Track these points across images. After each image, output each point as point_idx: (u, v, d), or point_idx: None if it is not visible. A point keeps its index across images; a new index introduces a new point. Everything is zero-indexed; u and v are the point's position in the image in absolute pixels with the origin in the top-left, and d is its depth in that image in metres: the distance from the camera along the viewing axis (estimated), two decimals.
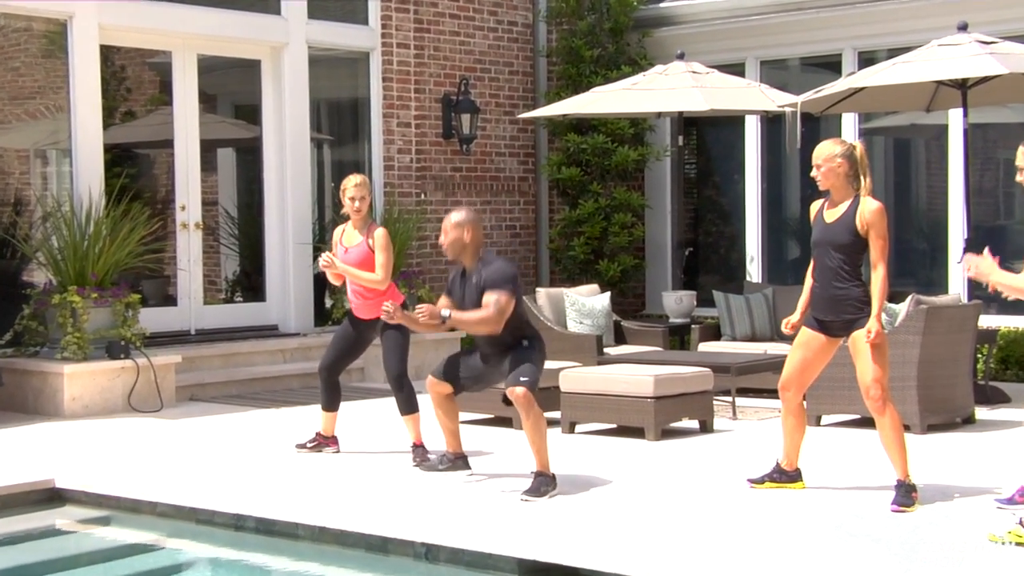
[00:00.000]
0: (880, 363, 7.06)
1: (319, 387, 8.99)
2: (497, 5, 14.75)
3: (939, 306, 9.80)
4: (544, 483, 7.39)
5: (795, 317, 7.42)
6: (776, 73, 14.37)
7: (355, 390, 11.82)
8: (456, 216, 7.64)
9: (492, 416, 9.84)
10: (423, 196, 13.99)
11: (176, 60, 12.62)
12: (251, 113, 13.53)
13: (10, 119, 12.05)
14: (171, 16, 12.37)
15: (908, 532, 6.48)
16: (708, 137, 15.36)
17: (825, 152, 7.18)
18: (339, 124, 14.74)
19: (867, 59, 13.43)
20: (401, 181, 13.88)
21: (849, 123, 13.62)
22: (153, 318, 11.83)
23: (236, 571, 7.04)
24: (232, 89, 14.00)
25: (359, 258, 8.63)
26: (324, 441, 8.97)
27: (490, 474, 8.06)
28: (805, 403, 7.59)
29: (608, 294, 12.39)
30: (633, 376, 9.44)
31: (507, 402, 7.56)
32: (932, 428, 9.47)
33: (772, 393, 8.44)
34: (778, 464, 7.56)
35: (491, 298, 7.39)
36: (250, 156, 13.69)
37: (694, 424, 9.69)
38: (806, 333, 7.35)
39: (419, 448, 8.47)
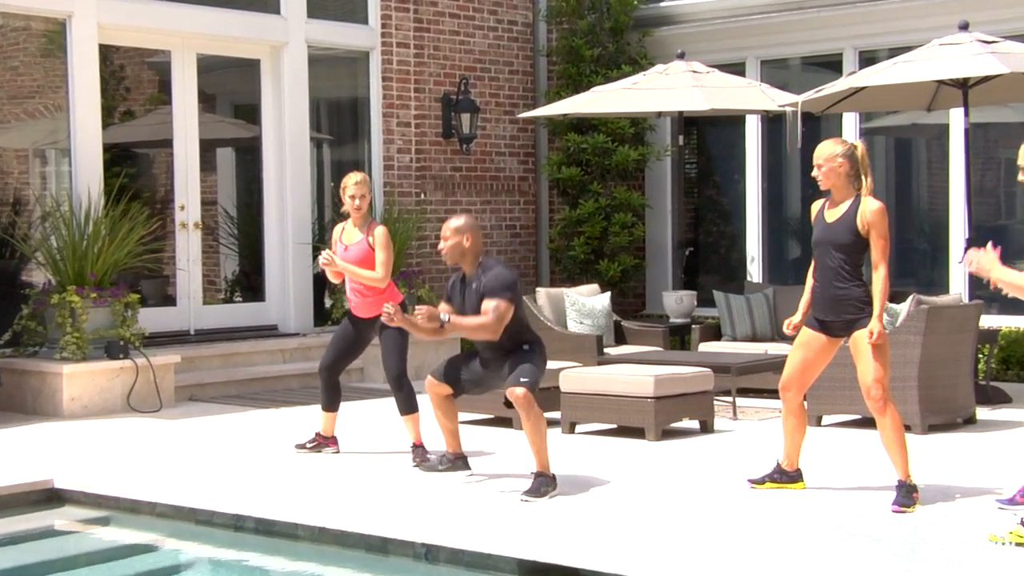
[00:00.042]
0: (881, 363, 7.04)
1: (319, 387, 8.98)
2: (497, 4, 14.72)
3: (940, 306, 9.79)
4: (544, 483, 7.38)
5: (797, 317, 7.41)
6: (777, 72, 14.35)
7: (355, 390, 11.81)
8: (455, 222, 7.63)
9: (492, 416, 9.83)
10: (423, 196, 13.97)
11: (175, 59, 12.60)
12: (250, 113, 13.51)
13: (9, 118, 12.03)
14: (170, 15, 12.35)
15: (908, 532, 6.47)
16: (708, 137, 15.35)
17: (826, 152, 7.17)
18: (339, 124, 14.72)
19: (868, 58, 13.42)
20: (401, 181, 13.86)
21: (850, 123, 13.61)
22: (152, 318, 11.81)
23: (236, 571, 7.02)
24: (231, 88, 13.98)
25: (359, 256, 8.61)
26: (324, 441, 8.95)
27: (490, 474, 8.05)
28: (806, 403, 7.59)
29: (608, 294, 12.38)
30: (633, 376, 9.42)
31: (508, 405, 7.55)
32: (933, 428, 9.46)
33: (773, 393, 8.42)
34: (779, 464, 7.55)
35: (490, 305, 7.38)
36: (249, 156, 13.68)
37: (694, 424, 9.68)
38: (807, 333, 7.34)
39: (419, 448, 8.46)
